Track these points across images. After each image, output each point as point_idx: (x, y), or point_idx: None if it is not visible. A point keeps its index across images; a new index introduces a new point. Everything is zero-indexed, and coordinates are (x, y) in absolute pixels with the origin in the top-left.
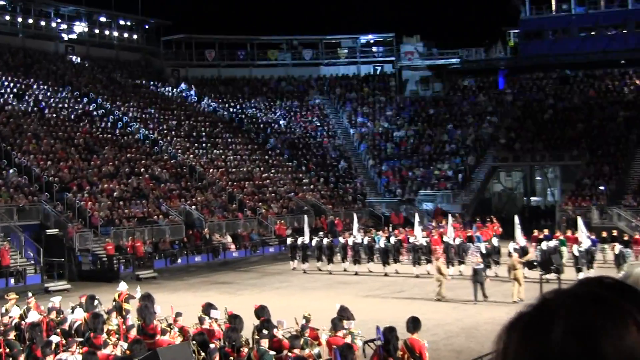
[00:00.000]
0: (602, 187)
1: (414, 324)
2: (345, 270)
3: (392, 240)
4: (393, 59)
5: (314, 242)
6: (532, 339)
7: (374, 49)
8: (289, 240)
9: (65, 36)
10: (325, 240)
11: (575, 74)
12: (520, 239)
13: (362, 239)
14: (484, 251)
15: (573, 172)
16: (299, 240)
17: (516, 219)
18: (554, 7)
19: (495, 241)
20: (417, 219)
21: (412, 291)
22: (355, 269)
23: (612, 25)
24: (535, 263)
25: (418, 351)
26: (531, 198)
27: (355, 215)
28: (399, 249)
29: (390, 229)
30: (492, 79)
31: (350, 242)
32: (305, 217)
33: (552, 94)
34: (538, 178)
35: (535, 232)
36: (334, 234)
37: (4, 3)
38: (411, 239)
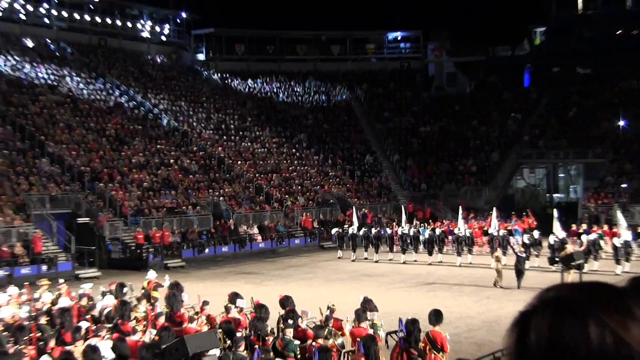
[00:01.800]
0: (624, 185)
1: (436, 316)
2: (391, 259)
3: (437, 231)
4: (420, 55)
5: (361, 232)
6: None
7: (401, 45)
8: (334, 230)
9: (97, 29)
10: (373, 231)
11: (601, 72)
12: (560, 232)
13: (409, 230)
14: (526, 242)
15: (596, 169)
16: (350, 230)
17: (555, 212)
18: (580, 5)
19: (536, 234)
20: (460, 211)
21: (435, 284)
22: (404, 258)
23: None
24: (557, 259)
25: (440, 343)
26: (554, 195)
27: (403, 207)
28: (443, 240)
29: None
30: (517, 76)
31: (399, 233)
32: (354, 208)
33: (577, 91)
34: (561, 175)
35: (574, 227)
36: (363, 225)
37: None
38: (455, 231)
